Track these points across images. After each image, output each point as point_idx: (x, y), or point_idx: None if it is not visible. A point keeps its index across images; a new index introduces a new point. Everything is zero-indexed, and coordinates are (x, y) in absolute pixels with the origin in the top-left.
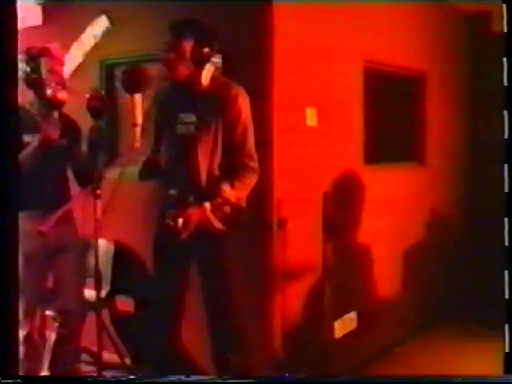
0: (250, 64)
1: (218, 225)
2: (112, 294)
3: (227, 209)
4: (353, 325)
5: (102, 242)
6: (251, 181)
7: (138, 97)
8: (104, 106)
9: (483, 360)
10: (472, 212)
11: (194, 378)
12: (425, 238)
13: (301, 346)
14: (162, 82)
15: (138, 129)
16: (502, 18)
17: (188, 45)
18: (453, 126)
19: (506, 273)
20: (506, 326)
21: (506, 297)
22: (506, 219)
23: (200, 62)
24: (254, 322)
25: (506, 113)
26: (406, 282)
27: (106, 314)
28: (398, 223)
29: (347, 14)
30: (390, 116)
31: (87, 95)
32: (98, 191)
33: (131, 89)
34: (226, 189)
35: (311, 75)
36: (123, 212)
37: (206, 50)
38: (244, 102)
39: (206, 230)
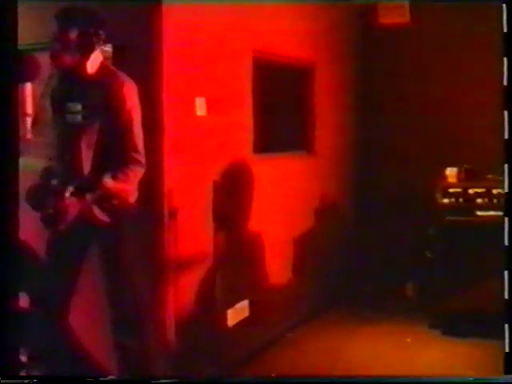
0: (140, 54)
1: (103, 217)
2: None
3: (113, 201)
4: (245, 313)
5: None
6: (135, 173)
7: (27, 86)
8: None
9: (372, 343)
10: (361, 200)
11: None
12: (315, 225)
13: (194, 336)
14: (52, 70)
15: (29, 119)
16: (389, 10)
17: (73, 33)
18: (342, 116)
19: (506, 273)
20: (506, 326)
21: (506, 297)
22: (506, 219)
23: (86, 50)
24: (147, 314)
25: (506, 113)
26: (297, 270)
27: None
28: (287, 212)
29: (236, 5)
30: (280, 106)
31: None
32: None
33: (20, 78)
34: (108, 180)
35: (200, 65)
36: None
37: (92, 38)
38: (130, 92)
39: (96, 222)
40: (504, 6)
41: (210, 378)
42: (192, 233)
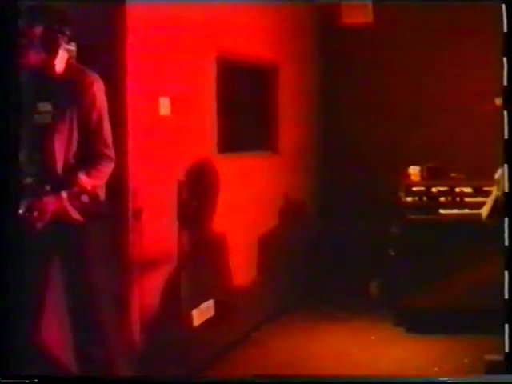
0: (104, 53)
1: (76, 215)
2: None
3: (85, 198)
4: (210, 313)
5: None
6: (107, 169)
7: None
8: None
9: (337, 342)
10: (325, 198)
11: None
12: (279, 224)
13: (160, 336)
14: (17, 69)
15: None
16: (352, 10)
17: (38, 30)
18: (306, 115)
19: (506, 273)
20: (506, 326)
21: (506, 297)
22: (506, 219)
23: (51, 48)
24: (113, 315)
25: (505, 113)
26: (261, 269)
27: None
28: (252, 211)
29: (200, 5)
30: (244, 105)
31: None
32: None
33: None
34: (82, 177)
35: (164, 65)
36: None
37: (57, 35)
38: (99, 89)
39: (63, 222)
40: (504, 6)
41: (209, 377)
42: (156, 233)
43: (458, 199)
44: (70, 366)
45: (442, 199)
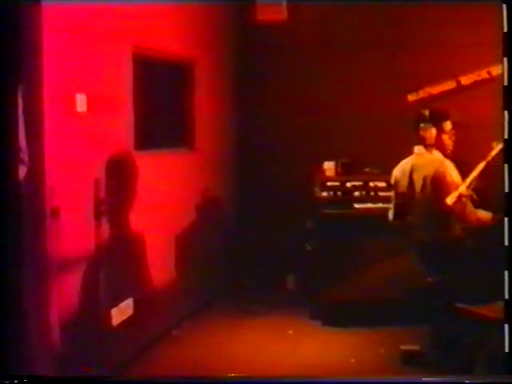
0: (19, 50)
1: None
2: None
3: None
4: (130, 311)
5: None
6: (20, 172)
7: None
8: None
9: (255, 336)
10: (242, 194)
11: None
12: (196, 221)
13: (79, 336)
14: None
15: None
16: (266, 7)
17: None
18: (223, 112)
19: (506, 273)
20: (506, 326)
21: (506, 297)
22: (506, 219)
23: None
24: (30, 317)
25: (506, 113)
26: (179, 266)
27: None
28: (170, 208)
29: (116, 4)
30: (161, 102)
31: None
32: None
33: None
34: None
35: (80, 61)
36: None
37: None
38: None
39: None
40: (504, 5)
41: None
42: (74, 231)
43: (372, 194)
44: None
45: (357, 194)
